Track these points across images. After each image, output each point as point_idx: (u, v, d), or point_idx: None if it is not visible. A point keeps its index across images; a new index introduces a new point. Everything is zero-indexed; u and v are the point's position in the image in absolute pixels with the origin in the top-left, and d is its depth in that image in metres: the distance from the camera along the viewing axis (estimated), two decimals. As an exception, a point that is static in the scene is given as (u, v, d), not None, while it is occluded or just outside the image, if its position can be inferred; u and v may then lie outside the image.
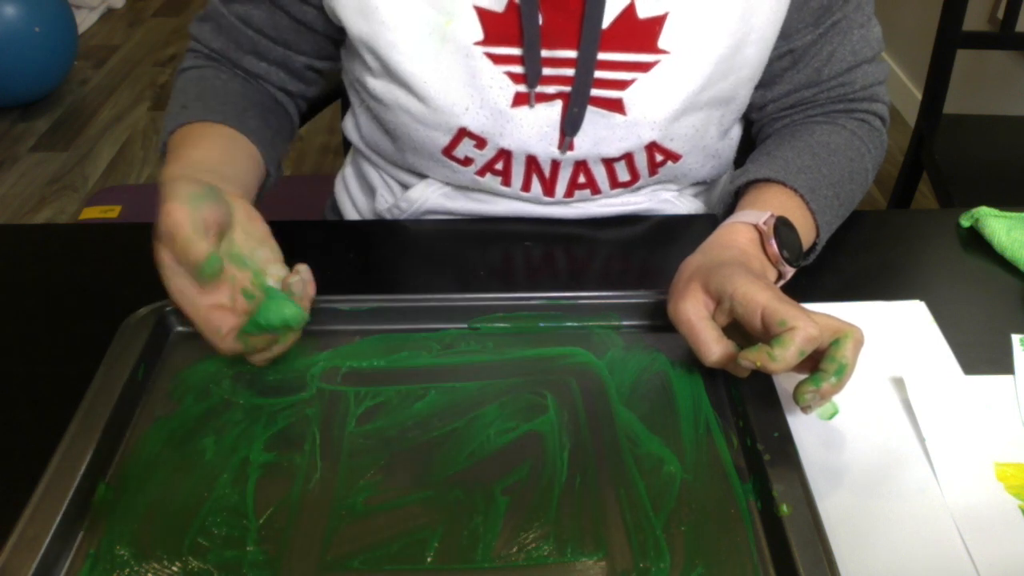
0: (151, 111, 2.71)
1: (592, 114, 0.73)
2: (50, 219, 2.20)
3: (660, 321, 0.64)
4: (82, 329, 0.68)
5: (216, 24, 0.81)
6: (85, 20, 3.22)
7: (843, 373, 0.54)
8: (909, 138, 1.65)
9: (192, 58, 0.84)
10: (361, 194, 0.92)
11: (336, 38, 0.81)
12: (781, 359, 0.54)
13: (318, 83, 0.88)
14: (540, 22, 0.68)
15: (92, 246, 0.80)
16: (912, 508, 0.55)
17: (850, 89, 0.79)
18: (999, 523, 0.54)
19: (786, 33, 0.75)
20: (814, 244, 0.72)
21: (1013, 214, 0.79)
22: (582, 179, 0.79)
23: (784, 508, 0.51)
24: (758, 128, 0.85)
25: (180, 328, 0.67)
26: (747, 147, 0.86)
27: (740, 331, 0.60)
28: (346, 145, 1.00)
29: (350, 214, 0.94)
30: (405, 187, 0.85)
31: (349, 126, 0.88)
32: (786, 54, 0.77)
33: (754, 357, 0.55)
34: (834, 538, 0.50)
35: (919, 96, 1.59)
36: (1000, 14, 1.56)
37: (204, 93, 0.78)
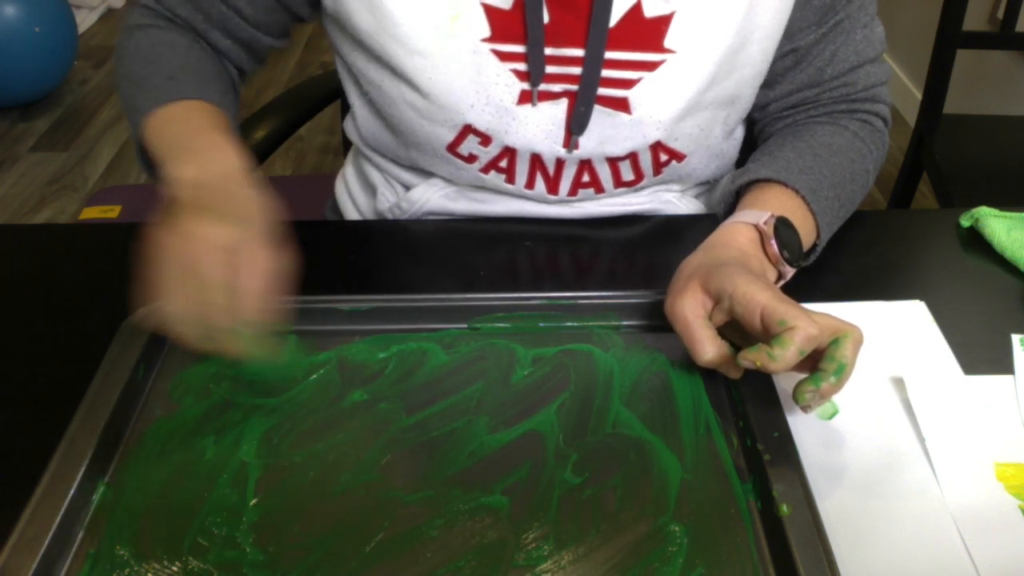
0: (151, 111, 2.70)
1: (598, 113, 0.72)
2: (50, 219, 2.19)
3: (660, 321, 0.64)
4: (82, 329, 0.68)
5: None
6: (85, 20, 3.22)
7: (842, 373, 0.54)
8: (909, 138, 1.65)
9: (147, 15, 0.78)
10: (362, 193, 0.92)
11: (305, 20, 0.80)
12: (781, 359, 0.54)
13: (266, 62, 0.86)
14: (546, 20, 0.68)
15: (92, 246, 0.80)
16: (912, 508, 0.55)
17: (852, 89, 0.79)
18: (999, 523, 0.54)
19: (789, 32, 0.75)
20: (814, 245, 0.72)
21: (1013, 214, 0.79)
22: (586, 178, 0.78)
23: (784, 508, 0.51)
24: (760, 128, 0.85)
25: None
26: (749, 146, 0.86)
27: (739, 331, 0.60)
28: (346, 145, 1.00)
29: (351, 214, 0.94)
30: (407, 187, 0.85)
31: (350, 127, 0.87)
32: (789, 53, 0.77)
33: (754, 357, 0.55)
34: (834, 538, 0.50)
35: (919, 96, 1.59)
36: (1000, 14, 1.56)
37: (190, 66, 0.74)
